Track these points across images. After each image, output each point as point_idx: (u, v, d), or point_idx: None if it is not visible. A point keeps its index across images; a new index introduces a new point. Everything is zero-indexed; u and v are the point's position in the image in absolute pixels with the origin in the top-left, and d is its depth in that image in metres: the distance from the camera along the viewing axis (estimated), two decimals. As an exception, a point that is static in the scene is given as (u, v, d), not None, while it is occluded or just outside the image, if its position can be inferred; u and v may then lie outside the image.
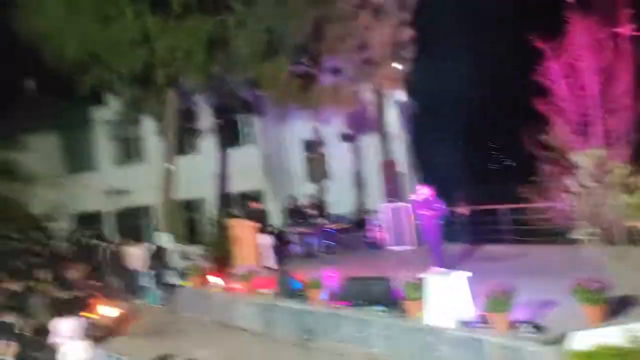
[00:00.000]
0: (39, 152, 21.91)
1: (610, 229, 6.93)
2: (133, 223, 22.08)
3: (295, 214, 16.21)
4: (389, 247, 15.06)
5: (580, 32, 15.03)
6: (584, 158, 7.11)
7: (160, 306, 13.71)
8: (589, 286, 7.02)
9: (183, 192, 19.19)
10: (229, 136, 21.51)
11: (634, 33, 14.45)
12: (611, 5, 14.36)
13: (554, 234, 14.39)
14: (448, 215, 11.59)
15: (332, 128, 21.60)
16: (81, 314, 9.52)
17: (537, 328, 7.01)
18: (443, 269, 10.20)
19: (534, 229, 15.52)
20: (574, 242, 7.89)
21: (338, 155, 22.28)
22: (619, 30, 14.46)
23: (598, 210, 6.96)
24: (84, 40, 14.58)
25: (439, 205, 10.68)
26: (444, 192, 10.96)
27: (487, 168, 48.90)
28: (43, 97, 20.01)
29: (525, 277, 9.13)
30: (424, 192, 10.73)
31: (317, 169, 19.30)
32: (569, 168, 14.23)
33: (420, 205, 10.67)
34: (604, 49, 15.02)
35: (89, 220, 22.29)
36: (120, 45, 14.55)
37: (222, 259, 14.71)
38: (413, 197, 10.71)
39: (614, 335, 6.63)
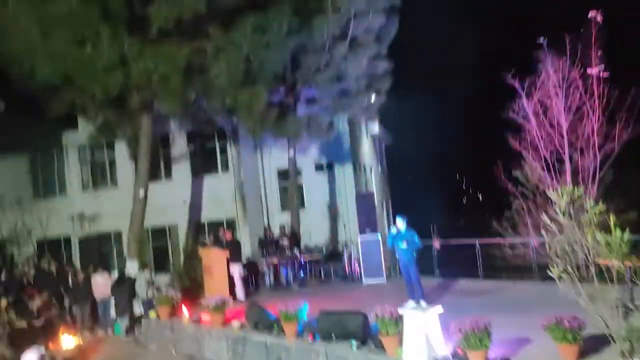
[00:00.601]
0: (6, 174, 21.31)
1: (584, 266, 6.91)
2: (101, 249, 21.50)
3: (269, 244, 15.98)
4: (363, 280, 14.92)
5: (552, 72, 15.52)
6: (557, 195, 7.11)
7: (125, 337, 13.23)
8: (564, 324, 6.99)
9: (154, 219, 18.82)
10: (203, 163, 21.29)
11: (604, 74, 14.95)
12: (583, 47, 14.87)
13: (527, 270, 14.53)
14: (421, 247, 11.55)
15: (308, 158, 21.60)
16: (41, 344, 9.06)
17: (513, 366, 6.92)
18: (420, 303, 10.10)
19: (507, 264, 15.67)
20: (547, 278, 7.85)
21: (313, 185, 22.26)
22: (590, 70, 14.94)
23: (571, 248, 6.92)
24: (57, 61, 14.30)
25: (414, 237, 10.63)
26: (417, 224, 10.93)
27: (461, 202, 49.55)
28: (12, 119, 19.49)
29: (500, 313, 9.08)
30: (401, 224, 10.66)
31: (292, 199, 19.16)
32: (542, 204, 14.49)
33: (397, 237, 10.60)
34: (575, 89, 15.52)
35: (55, 246, 21.63)
36: (95, 67, 14.31)
37: (192, 289, 14.36)
38: (392, 229, 10.62)
39: (589, 374, 6.58)
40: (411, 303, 9.84)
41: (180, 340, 11.53)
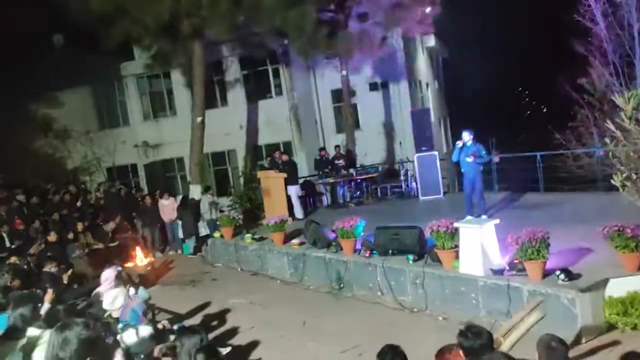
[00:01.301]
0: (73, 107, 22.24)
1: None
2: (165, 175, 22.48)
3: (324, 164, 16.12)
4: (420, 197, 14.92)
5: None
6: (624, 99, 6.72)
7: (193, 256, 14.02)
8: (626, 232, 6.82)
9: (213, 145, 19.35)
10: (257, 88, 21.35)
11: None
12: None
13: (591, 181, 14.05)
14: (488, 161, 11.41)
15: (361, 77, 21.21)
16: (117, 262, 9.77)
17: (572, 275, 6.88)
18: (481, 217, 10.10)
19: (569, 176, 15.19)
20: (611, 189, 7.59)
21: (368, 105, 21.99)
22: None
23: (637, 155, 6.61)
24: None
25: (481, 151, 10.54)
26: (477, 138, 10.71)
27: (523, 116, 47.71)
28: (71, 52, 20.07)
29: (560, 225, 8.96)
30: (467, 137, 10.54)
31: (347, 119, 19.05)
32: (607, 112, 13.74)
33: (463, 151, 10.52)
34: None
35: (124, 173, 22.83)
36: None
37: (252, 210, 14.86)
38: (458, 142, 10.55)
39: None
40: (469, 217, 9.87)
41: (244, 258, 12.09)
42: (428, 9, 18.48)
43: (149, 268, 12.22)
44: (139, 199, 15.93)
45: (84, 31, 15.89)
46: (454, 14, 22.32)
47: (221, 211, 14.34)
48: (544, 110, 41.42)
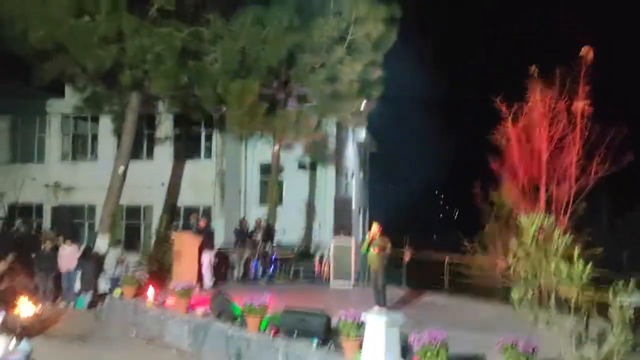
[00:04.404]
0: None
1: (545, 294, 7.12)
2: (72, 221, 21.31)
3: (243, 235, 16.01)
4: (331, 282, 15.04)
5: (539, 101, 15.85)
6: (528, 221, 7.32)
7: (87, 311, 13.15)
8: (519, 346, 7.19)
9: (130, 197, 18.73)
10: (187, 147, 21.24)
11: (588, 109, 15.31)
12: (572, 80, 15.22)
13: (491, 291, 14.81)
14: (391, 256, 11.80)
15: (292, 155, 21.66)
16: (1, 308, 9.00)
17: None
18: (383, 310, 10.27)
19: (473, 282, 15.93)
20: (508, 301, 8.06)
21: (293, 183, 22.32)
22: (575, 104, 15.30)
23: (534, 274, 7.13)
24: (53, 27, 14.17)
25: (387, 245, 10.89)
26: (391, 234, 11.18)
27: (437, 217, 50.07)
28: (-2, 80, 19.26)
29: (459, 330, 9.29)
30: (376, 230, 10.91)
31: (271, 194, 19.21)
32: (513, 228, 14.75)
33: (371, 242, 10.86)
34: (559, 121, 15.86)
35: (27, 212, 21.41)
36: (91, 39, 14.21)
37: (160, 271, 14.33)
38: (367, 234, 10.88)
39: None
40: (376, 308, 10.03)
41: (142, 322, 11.51)
42: (364, 104, 19.49)
43: (34, 319, 11.30)
44: (40, 241, 14.94)
45: (16, 60, 15.40)
46: (389, 112, 23.66)
47: (126, 268, 13.73)
48: (456, 216, 43.78)
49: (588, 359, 6.73)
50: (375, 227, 10.98)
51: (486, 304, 13.62)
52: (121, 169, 16.16)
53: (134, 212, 21.04)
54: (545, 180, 16.03)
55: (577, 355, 6.82)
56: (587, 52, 15.09)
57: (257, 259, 15.63)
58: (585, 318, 8.20)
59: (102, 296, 13.26)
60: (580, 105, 15.23)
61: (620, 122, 15.20)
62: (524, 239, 7.56)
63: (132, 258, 15.86)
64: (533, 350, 7.15)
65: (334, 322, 8.65)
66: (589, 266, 6.69)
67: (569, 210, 15.81)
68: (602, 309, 6.97)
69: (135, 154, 18.80)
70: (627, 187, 18.38)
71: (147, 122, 20.77)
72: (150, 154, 21.21)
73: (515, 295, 7.07)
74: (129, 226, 21.03)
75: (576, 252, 6.78)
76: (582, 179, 15.69)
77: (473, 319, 11.29)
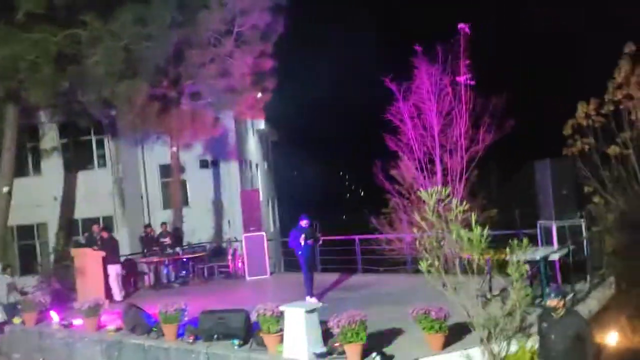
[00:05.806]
0: None
1: (450, 261, 7.52)
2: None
3: (149, 242, 15.43)
4: (247, 277, 14.94)
5: (426, 78, 16.64)
6: (427, 194, 7.66)
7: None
8: (431, 315, 7.56)
9: (20, 217, 17.46)
10: (77, 157, 20.08)
11: (470, 82, 16.31)
12: (453, 56, 16.14)
13: (402, 263, 15.45)
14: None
15: (192, 154, 21.11)
16: None
17: (386, 356, 7.35)
18: (307, 300, 10.45)
19: (383, 258, 16.53)
20: (418, 270, 8.43)
21: (197, 182, 21.78)
22: (458, 78, 16.25)
23: (438, 244, 7.51)
24: None
25: (316, 234, 11.44)
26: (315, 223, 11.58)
27: (342, 197, 51.20)
28: None
29: (376, 306, 9.61)
30: (305, 222, 11.28)
31: (175, 196, 18.65)
32: (415, 202, 15.46)
33: (302, 234, 11.06)
34: (445, 95, 16.77)
35: None
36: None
37: (63, 292, 13.49)
38: (297, 226, 11.21)
39: (455, 360, 7.18)
40: (309, 299, 10.33)
41: (49, 348, 10.80)
42: (259, 95, 19.37)
43: None
44: None
45: None
46: (285, 100, 23.71)
47: (24, 293, 12.74)
48: (362, 195, 45.05)
49: (494, 316, 7.19)
50: (304, 220, 11.33)
51: (399, 277, 14.18)
52: (5, 189, 14.95)
53: (26, 232, 19.68)
54: (439, 153, 16.94)
55: (484, 314, 7.26)
56: (463, 27, 16.03)
57: (168, 264, 15.16)
58: (488, 278, 8.81)
59: (0, 327, 12.24)
60: (463, 78, 16.19)
61: (500, 91, 16.38)
62: (425, 211, 7.92)
63: (30, 281, 14.79)
64: (445, 316, 7.55)
65: (253, 317, 8.58)
66: (485, 229, 7.12)
67: (464, 178, 16.84)
68: (503, 267, 7.47)
69: (21, 170, 17.55)
70: (512, 151, 19.83)
71: (30, 134, 19.42)
72: (37, 168, 19.91)
73: (423, 265, 7.39)
74: (23, 247, 19.69)
75: (473, 217, 7.18)
76: (471, 148, 16.74)
77: (388, 294, 11.71)
